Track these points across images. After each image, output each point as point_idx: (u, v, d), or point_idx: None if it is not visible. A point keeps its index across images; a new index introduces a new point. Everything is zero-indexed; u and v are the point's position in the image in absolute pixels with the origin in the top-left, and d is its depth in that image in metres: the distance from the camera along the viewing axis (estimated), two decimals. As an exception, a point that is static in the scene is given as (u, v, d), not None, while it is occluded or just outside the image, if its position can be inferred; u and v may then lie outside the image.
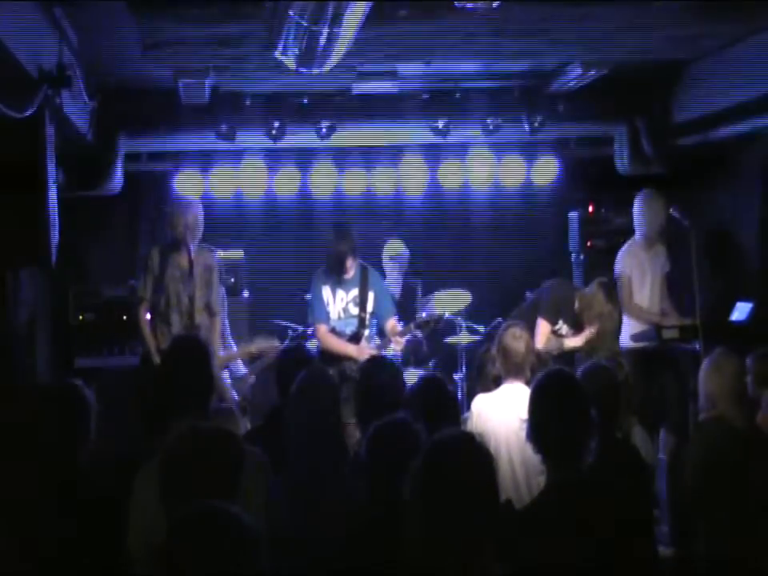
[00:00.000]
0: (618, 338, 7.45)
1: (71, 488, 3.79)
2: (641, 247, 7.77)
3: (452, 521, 2.82)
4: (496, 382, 5.63)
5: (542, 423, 3.64)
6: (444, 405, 4.56)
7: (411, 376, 7.09)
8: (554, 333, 7.20)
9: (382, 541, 3.33)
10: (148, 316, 6.92)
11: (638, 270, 7.72)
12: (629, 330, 7.61)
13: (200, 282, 6.88)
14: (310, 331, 8.02)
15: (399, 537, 2.98)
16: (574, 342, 7.18)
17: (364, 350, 6.98)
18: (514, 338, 5.48)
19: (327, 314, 7.12)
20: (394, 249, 8.74)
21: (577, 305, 7.17)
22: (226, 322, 7.79)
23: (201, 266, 6.91)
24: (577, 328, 7.22)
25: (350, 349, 7.03)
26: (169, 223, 6.92)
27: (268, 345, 7.38)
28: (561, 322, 7.26)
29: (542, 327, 7.15)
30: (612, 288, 7.20)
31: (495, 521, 2.91)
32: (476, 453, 2.95)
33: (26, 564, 3.52)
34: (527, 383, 5.41)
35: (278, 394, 5.31)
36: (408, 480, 2.95)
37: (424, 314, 7.29)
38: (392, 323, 7.22)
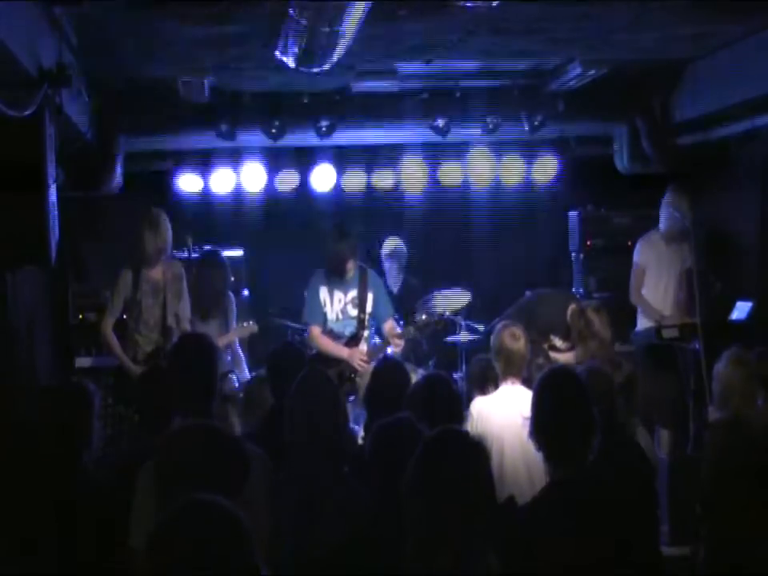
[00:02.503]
0: (611, 353, 7.35)
1: (74, 487, 3.79)
2: (662, 239, 7.80)
3: (449, 518, 2.82)
4: (495, 384, 5.64)
5: (545, 421, 3.65)
6: (448, 404, 4.57)
7: (411, 376, 7.10)
8: (550, 347, 7.14)
9: (383, 540, 3.33)
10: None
11: (655, 262, 7.74)
12: (638, 325, 7.62)
13: (171, 293, 7.12)
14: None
15: (401, 536, 2.98)
16: (566, 358, 7.11)
17: (355, 354, 6.97)
18: (514, 338, 5.48)
19: (323, 315, 7.11)
20: (393, 245, 8.76)
21: (569, 320, 6.95)
22: (234, 324, 7.86)
23: (171, 277, 7.15)
24: (570, 341, 7.11)
25: (342, 351, 7.02)
26: (142, 242, 7.09)
27: (247, 329, 7.74)
28: (553, 336, 7.18)
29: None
30: (605, 313, 6.87)
31: (493, 517, 2.91)
32: (471, 449, 2.95)
33: (28, 563, 3.53)
34: (524, 383, 5.42)
35: (272, 393, 5.32)
36: (406, 478, 2.95)
37: (423, 316, 7.28)
38: (390, 324, 7.21)
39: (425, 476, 2.89)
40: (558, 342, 7.13)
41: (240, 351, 8.05)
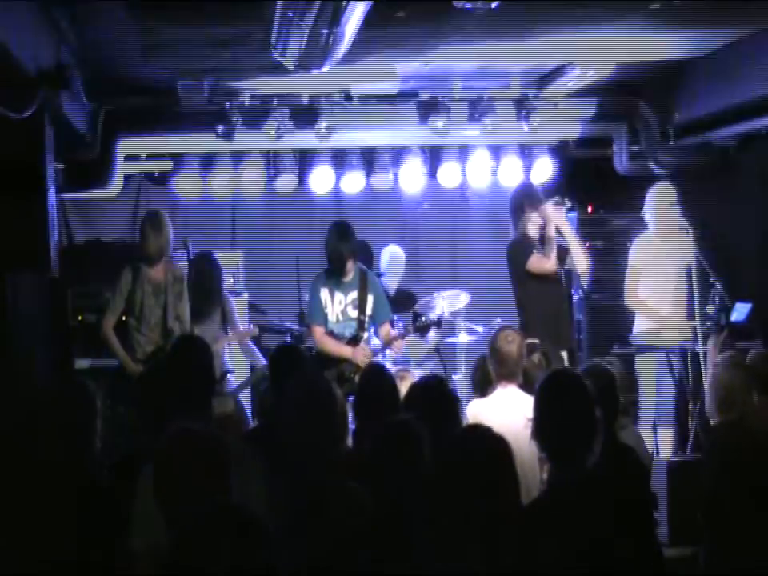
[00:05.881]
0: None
1: (74, 487, 3.79)
2: (657, 237, 7.63)
3: (478, 517, 2.82)
4: (492, 386, 5.65)
5: (548, 422, 3.65)
6: (445, 405, 4.57)
7: (411, 376, 7.11)
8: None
9: (384, 542, 3.33)
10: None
11: (652, 261, 7.56)
12: (636, 327, 7.59)
13: (172, 294, 7.14)
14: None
15: (402, 537, 2.98)
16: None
17: (359, 352, 6.96)
18: (507, 341, 5.48)
19: (324, 316, 7.10)
20: (392, 252, 8.78)
21: None
22: (237, 323, 7.86)
23: (172, 278, 7.17)
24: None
25: (345, 350, 7.00)
26: (143, 242, 7.12)
27: (246, 332, 7.80)
28: None
29: None
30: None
31: (514, 516, 2.90)
32: (497, 447, 2.96)
33: (28, 563, 3.53)
34: (520, 386, 5.43)
35: (273, 394, 5.32)
36: (419, 481, 2.95)
37: (422, 318, 7.28)
38: (387, 328, 7.20)
39: (452, 475, 2.90)
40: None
41: (250, 344, 8.12)
